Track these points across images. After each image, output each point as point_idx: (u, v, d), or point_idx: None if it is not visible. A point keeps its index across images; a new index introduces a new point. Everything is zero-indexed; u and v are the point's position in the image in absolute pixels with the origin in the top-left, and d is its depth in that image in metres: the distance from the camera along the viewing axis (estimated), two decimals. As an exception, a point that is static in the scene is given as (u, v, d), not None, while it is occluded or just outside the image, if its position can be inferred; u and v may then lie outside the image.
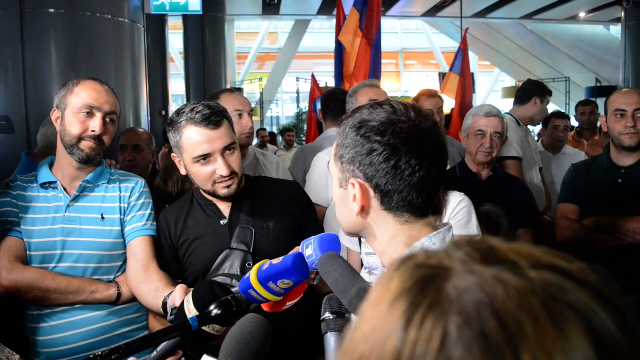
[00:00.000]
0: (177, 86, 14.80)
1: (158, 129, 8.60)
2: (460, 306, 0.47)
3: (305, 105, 18.30)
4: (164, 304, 1.87)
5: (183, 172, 2.07)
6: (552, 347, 0.44)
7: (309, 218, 2.20)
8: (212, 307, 1.19)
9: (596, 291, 0.48)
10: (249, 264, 1.97)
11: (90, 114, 2.10)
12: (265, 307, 1.37)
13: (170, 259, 2.13)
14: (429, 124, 1.15)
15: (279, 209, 2.12)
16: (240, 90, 16.10)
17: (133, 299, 2.15)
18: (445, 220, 2.21)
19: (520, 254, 0.51)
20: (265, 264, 1.36)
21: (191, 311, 1.32)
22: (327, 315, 1.15)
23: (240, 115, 2.81)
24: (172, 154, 2.10)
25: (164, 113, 10.34)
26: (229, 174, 1.96)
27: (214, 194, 2.03)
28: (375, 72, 5.18)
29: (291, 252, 1.39)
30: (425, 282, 0.51)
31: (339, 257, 1.22)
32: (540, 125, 5.40)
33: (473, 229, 2.26)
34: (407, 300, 0.50)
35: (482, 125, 3.03)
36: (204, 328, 1.21)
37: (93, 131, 2.09)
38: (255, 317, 1.16)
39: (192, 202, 2.17)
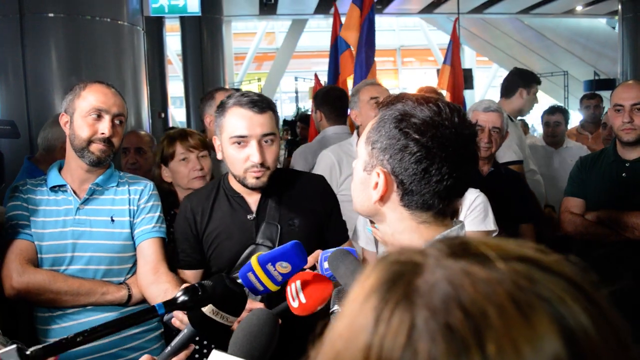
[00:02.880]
0: (175, 88, 14.80)
1: (158, 131, 8.60)
2: (429, 300, 0.47)
3: (303, 105, 18.30)
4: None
5: (219, 156, 2.08)
6: (518, 336, 0.43)
7: (334, 216, 2.20)
8: (178, 294, 1.19)
9: (569, 281, 0.48)
10: None
11: (99, 117, 2.12)
12: (296, 311, 1.39)
13: (192, 250, 2.13)
14: (470, 132, 1.11)
15: (305, 205, 2.11)
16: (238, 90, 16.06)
17: (143, 301, 2.17)
18: (461, 217, 2.21)
19: (490, 247, 0.52)
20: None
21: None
22: (336, 307, 1.17)
23: None
24: (213, 137, 2.10)
25: (163, 115, 10.32)
26: (260, 161, 1.95)
27: (243, 182, 2.01)
28: (361, 70, 5.07)
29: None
30: (395, 278, 0.51)
31: (349, 253, 1.25)
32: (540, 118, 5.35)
33: (490, 224, 2.27)
34: (378, 296, 0.50)
35: (480, 121, 3.03)
36: (216, 319, 1.22)
37: (102, 133, 2.11)
38: (262, 311, 1.18)
39: (217, 191, 2.15)
